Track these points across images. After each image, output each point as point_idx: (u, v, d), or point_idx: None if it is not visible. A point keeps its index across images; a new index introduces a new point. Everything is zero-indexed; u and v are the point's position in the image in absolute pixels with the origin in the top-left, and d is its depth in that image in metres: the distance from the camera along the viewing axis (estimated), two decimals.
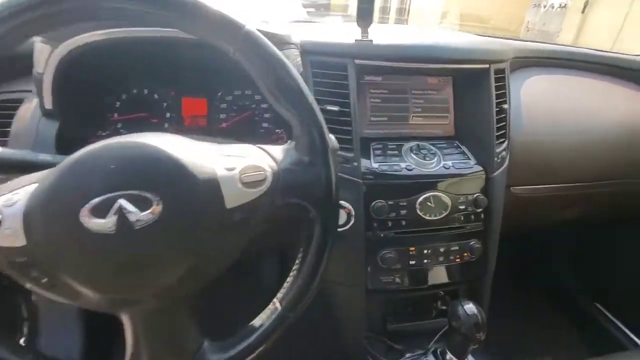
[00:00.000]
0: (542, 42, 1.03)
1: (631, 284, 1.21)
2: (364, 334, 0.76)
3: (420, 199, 0.70)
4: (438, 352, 0.66)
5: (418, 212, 0.70)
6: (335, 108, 0.68)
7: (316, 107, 0.39)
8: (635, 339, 1.19)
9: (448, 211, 0.71)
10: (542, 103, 0.89)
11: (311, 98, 0.39)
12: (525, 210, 0.92)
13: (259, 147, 0.41)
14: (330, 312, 0.80)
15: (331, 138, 0.41)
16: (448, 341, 0.63)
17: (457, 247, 0.73)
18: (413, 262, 0.72)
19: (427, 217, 0.71)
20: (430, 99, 0.80)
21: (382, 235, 0.70)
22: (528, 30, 5.87)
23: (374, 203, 0.69)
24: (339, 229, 0.66)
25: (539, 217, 1.04)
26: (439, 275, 0.74)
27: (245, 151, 0.39)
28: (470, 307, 0.60)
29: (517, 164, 0.80)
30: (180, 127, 0.75)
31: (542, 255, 1.49)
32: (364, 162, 0.70)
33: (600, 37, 4.19)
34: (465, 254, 0.74)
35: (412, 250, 0.71)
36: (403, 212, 0.70)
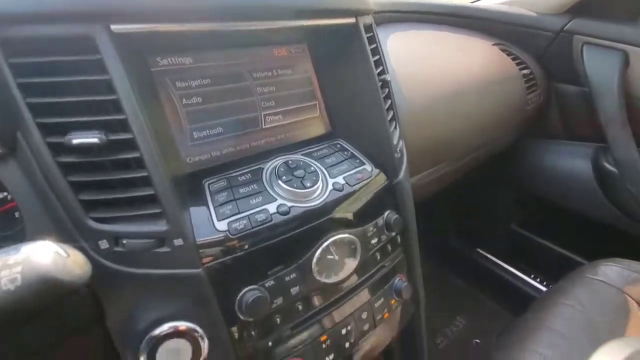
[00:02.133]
0: None
1: (497, 229, 1.29)
2: None
3: (317, 255, 0.41)
4: None
5: (317, 277, 0.41)
6: (93, 139, 0.30)
7: None
8: (513, 270, 1.29)
9: (359, 256, 0.45)
10: (412, 68, 0.72)
11: None
12: (420, 196, 0.77)
13: None
14: None
15: None
16: None
17: (382, 300, 0.49)
18: (331, 357, 0.44)
19: (331, 280, 0.43)
20: (285, 83, 0.49)
21: (270, 343, 0.39)
22: None
23: (240, 296, 0.37)
24: None
25: (429, 196, 0.93)
26: (368, 349, 0.49)
27: None
28: None
29: (411, 150, 0.60)
30: None
31: (427, 221, 1.48)
32: (199, 226, 0.36)
33: None
34: (393, 301, 0.50)
35: (323, 341, 0.43)
36: (294, 289, 0.40)
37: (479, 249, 1.38)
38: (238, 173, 0.42)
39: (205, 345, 0.34)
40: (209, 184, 0.40)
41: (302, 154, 0.47)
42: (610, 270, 0.84)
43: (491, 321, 1.26)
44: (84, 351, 0.39)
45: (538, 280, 1.21)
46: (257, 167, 0.44)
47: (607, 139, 0.89)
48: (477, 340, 1.18)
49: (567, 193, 1.04)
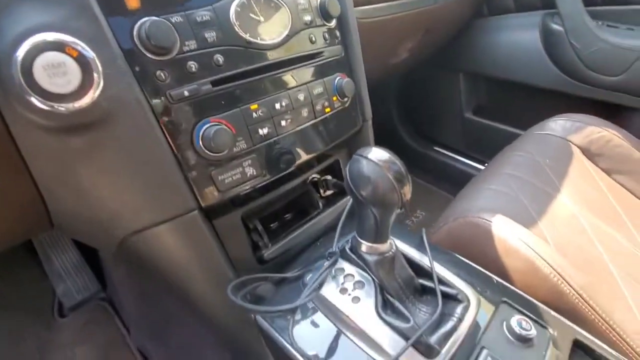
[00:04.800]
0: None
1: (451, 119, 1.30)
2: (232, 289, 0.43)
3: (235, 6, 0.36)
4: (346, 248, 0.40)
5: (240, 33, 0.36)
6: None
7: None
8: (469, 161, 1.32)
9: (289, 25, 0.40)
10: None
11: None
12: (369, 43, 0.71)
13: None
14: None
15: None
16: (357, 225, 0.37)
17: (321, 89, 0.45)
18: (265, 132, 0.40)
19: (258, 40, 0.38)
20: None
21: (186, 93, 0.34)
22: None
23: (140, 24, 0.31)
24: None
25: (381, 55, 0.89)
26: (309, 142, 0.45)
27: None
28: (375, 156, 0.34)
29: None
30: None
31: (380, 120, 1.46)
32: None
33: None
34: (335, 98, 0.47)
35: (254, 109, 0.39)
36: (210, 35, 0.35)
37: (434, 146, 1.40)
38: None
39: (97, 69, 0.28)
40: None
41: None
42: (555, 124, 0.86)
43: None
44: None
45: None
46: None
47: None
48: None
49: (516, 65, 1.04)
